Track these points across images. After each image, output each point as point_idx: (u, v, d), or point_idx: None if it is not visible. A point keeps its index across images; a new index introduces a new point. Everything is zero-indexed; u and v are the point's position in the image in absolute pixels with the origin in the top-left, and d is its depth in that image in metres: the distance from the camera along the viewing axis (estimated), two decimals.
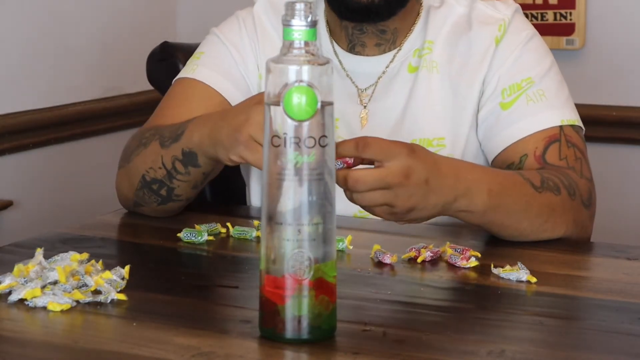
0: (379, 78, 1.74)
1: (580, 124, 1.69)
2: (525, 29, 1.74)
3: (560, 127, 1.66)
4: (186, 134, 1.55)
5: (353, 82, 1.75)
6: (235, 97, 1.72)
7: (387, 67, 1.74)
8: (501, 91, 1.69)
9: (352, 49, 1.75)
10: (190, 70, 1.75)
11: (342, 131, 1.72)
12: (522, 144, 1.65)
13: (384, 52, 1.75)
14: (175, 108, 1.71)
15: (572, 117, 1.68)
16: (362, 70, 1.75)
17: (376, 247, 1.45)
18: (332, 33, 1.77)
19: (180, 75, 1.77)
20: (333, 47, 1.76)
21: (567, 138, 1.65)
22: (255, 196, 1.81)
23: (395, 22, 1.73)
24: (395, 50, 1.75)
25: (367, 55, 1.75)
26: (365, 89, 1.75)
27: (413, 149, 1.35)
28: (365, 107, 1.74)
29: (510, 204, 1.49)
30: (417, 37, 1.75)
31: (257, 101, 1.43)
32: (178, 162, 1.56)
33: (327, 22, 1.78)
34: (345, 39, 1.75)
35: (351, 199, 1.35)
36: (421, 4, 1.77)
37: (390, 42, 1.74)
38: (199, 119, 1.55)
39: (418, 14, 1.76)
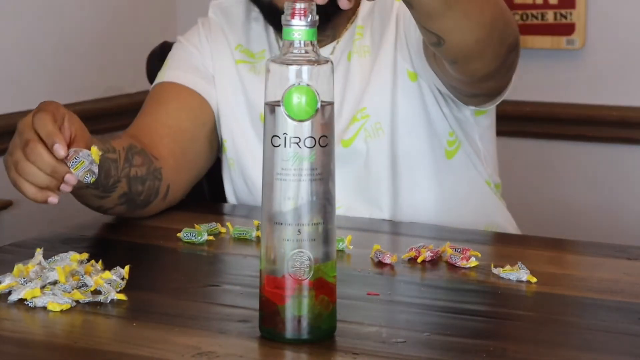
0: None
1: None
2: None
3: None
4: None
5: None
6: (205, 88, 1.78)
7: None
8: None
9: None
10: (160, 77, 1.81)
11: None
12: None
13: (325, 45, 1.76)
14: (149, 114, 1.76)
15: None
16: None
17: (376, 247, 1.44)
18: (276, 31, 1.78)
19: (153, 84, 1.82)
20: (278, 44, 1.77)
21: None
22: (229, 193, 1.83)
23: (333, 19, 1.74)
24: (334, 42, 1.76)
25: None
26: None
27: None
28: None
29: None
30: (355, 25, 1.76)
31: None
32: None
33: None
34: None
35: None
36: None
37: (330, 37, 1.76)
38: None
39: (359, 5, 1.77)
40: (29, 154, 1.36)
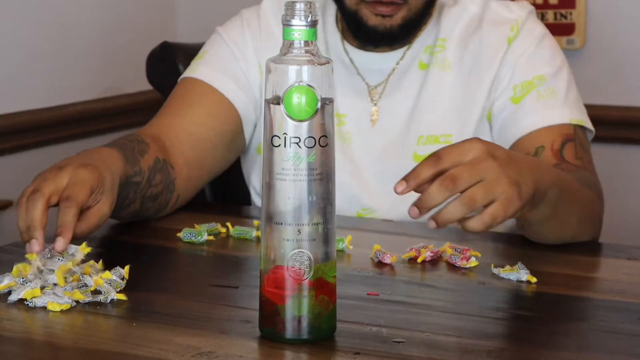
0: (389, 75, 1.75)
1: (590, 125, 1.72)
2: (537, 27, 1.76)
3: (574, 127, 1.68)
4: None
5: (363, 79, 1.75)
6: (236, 94, 1.74)
7: (397, 64, 1.75)
8: (513, 87, 1.70)
9: (362, 46, 1.75)
10: (192, 70, 1.77)
11: (351, 127, 1.73)
12: (537, 136, 1.66)
13: (395, 50, 1.75)
14: (174, 114, 1.72)
15: (581, 118, 1.70)
16: (373, 67, 1.75)
17: (376, 247, 1.45)
18: (342, 30, 1.78)
19: (183, 75, 1.79)
20: (343, 44, 1.77)
21: (581, 141, 1.68)
22: (256, 196, 1.81)
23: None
24: (405, 47, 1.75)
25: (378, 52, 1.75)
26: (376, 87, 1.75)
27: (476, 138, 1.30)
28: (375, 104, 1.74)
29: (568, 192, 1.45)
30: (428, 34, 1.76)
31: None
32: None
33: (337, 20, 1.78)
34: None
35: (467, 224, 1.27)
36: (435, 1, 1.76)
37: (402, 42, 1.75)
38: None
39: (427, 13, 1.76)
40: (29, 200, 1.38)
